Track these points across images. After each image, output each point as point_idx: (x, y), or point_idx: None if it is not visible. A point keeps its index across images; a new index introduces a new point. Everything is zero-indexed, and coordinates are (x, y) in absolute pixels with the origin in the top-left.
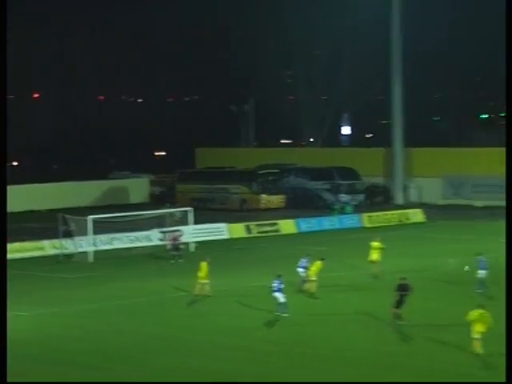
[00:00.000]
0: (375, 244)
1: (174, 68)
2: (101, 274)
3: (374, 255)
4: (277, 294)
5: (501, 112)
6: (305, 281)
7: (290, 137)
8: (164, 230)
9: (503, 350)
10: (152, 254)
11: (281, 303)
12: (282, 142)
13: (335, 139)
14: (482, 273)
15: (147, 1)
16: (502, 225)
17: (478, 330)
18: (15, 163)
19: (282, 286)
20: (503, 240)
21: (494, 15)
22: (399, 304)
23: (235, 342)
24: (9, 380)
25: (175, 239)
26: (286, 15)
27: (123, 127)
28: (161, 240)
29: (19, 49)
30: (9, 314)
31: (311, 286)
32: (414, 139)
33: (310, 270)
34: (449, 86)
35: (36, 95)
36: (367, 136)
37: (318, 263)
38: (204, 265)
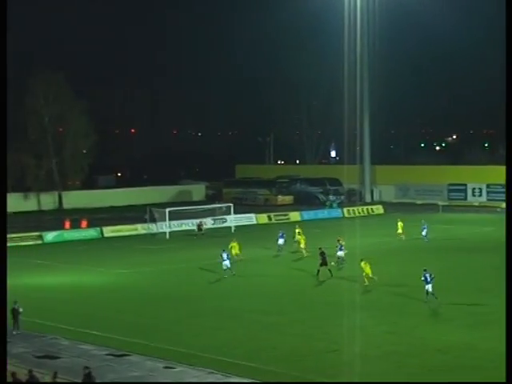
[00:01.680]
0: (297, 230)
1: (222, 112)
2: (174, 246)
3: (298, 236)
4: (225, 263)
5: (433, 142)
6: (281, 247)
7: (296, 158)
8: (214, 217)
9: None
10: (206, 234)
11: (229, 268)
12: (291, 161)
13: (326, 159)
14: (340, 253)
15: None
16: (433, 215)
17: (366, 272)
18: (119, 174)
19: (230, 256)
20: (434, 225)
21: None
22: (323, 264)
23: (255, 288)
24: (113, 315)
25: (200, 224)
26: (293, 76)
27: (189, 150)
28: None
29: (123, 102)
30: (113, 271)
31: (304, 251)
32: (377, 159)
33: (301, 240)
34: (399, 125)
35: (133, 130)
36: (336, 157)
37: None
38: (234, 243)
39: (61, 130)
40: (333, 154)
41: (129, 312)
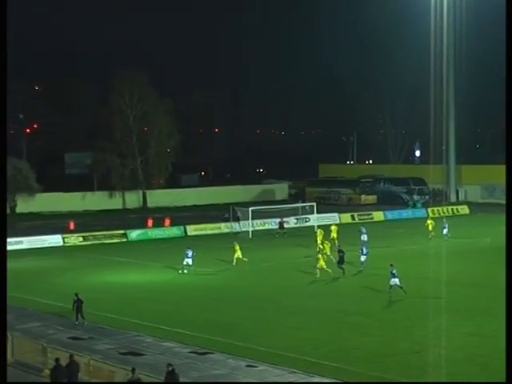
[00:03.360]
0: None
1: (306, 111)
2: (256, 245)
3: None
4: (188, 260)
5: None
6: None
7: (380, 157)
8: (296, 217)
9: None
10: (288, 233)
11: (190, 265)
12: (374, 160)
13: (410, 159)
14: (363, 257)
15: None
16: None
17: (320, 264)
18: (203, 173)
19: (194, 254)
20: None
21: None
22: (341, 262)
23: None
24: (196, 313)
25: (281, 223)
26: (376, 75)
27: (272, 150)
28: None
29: (208, 106)
30: (198, 270)
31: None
32: (462, 159)
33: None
34: (486, 124)
35: (216, 130)
36: (421, 157)
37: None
38: (236, 246)
39: (145, 129)
40: (417, 153)
41: (211, 310)
